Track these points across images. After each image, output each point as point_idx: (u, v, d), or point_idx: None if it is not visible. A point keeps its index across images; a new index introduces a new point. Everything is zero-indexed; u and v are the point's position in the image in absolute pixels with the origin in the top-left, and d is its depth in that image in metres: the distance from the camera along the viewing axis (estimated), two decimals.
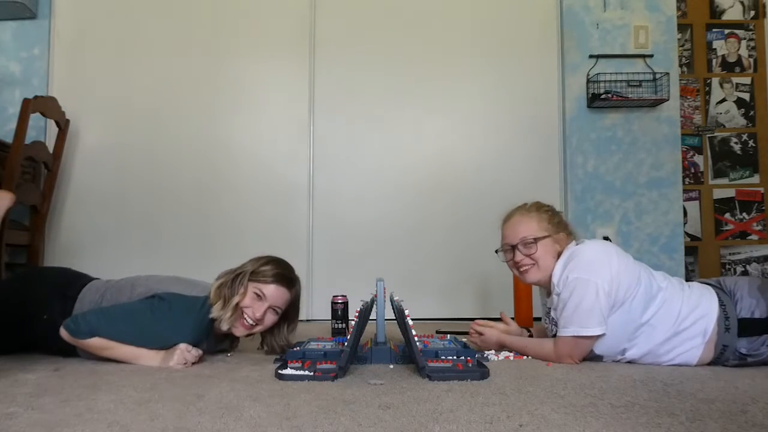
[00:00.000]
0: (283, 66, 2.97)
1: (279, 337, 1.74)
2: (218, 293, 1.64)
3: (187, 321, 1.59)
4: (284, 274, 1.69)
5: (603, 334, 1.52)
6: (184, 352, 1.55)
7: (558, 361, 1.56)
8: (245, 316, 1.63)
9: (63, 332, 1.55)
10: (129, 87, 2.96)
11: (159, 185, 2.92)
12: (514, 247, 1.65)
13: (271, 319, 1.67)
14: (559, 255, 1.63)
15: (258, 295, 1.64)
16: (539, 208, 1.69)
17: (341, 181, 2.94)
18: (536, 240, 1.62)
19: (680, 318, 1.51)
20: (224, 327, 1.63)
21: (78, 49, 2.96)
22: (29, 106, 2.38)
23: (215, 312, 1.61)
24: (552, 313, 1.64)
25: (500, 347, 1.75)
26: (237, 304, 1.62)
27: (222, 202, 2.92)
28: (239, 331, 1.66)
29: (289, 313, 1.73)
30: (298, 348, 1.68)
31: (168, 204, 2.91)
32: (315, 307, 2.86)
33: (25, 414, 1.07)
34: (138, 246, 2.89)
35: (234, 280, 1.65)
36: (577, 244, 1.63)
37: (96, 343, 1.55)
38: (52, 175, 2.72)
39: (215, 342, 1.75)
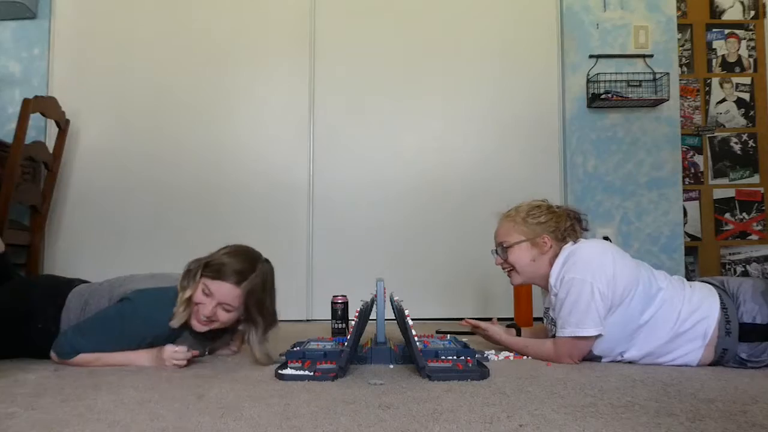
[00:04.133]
0: (283, 66, 2.97)
1: (254, 345, 1.57)
2: (181, 285, 1.57)
3: (157, 314, 1.55)
4: (235, 269, 1.53)
5: (600, 335, 1.52)
6: (172, 353, 1.52)
7: (558, 362, 1.56)
8: (199, 312, 1.55)
9: (52, 355, 1.55)
10: (129, 87, 2.95)
11: (159, 185, 2.91)
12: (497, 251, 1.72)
13: (226, 316, 1.56)
14: (552, 257, 1.63)
15: (205, 293, 1.54)
16: (523, 211, 1.69)
17: (341, 181, 2.94)
18: (508, 246, 1.67)
19: (680, 319, 1.50)
20: (175, 324, 1.54)
21: (78, 49, 2.96)
22: (29, 106, 2.38)
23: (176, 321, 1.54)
24: (551, 313, 1.64)
25: (501, 344, 1.75)
26: (189, 298, 1.53)
27: (222, 202, 2.91)
28: (197, 327, 1.57)
29: (251, 313, 1.56)
30: (298, 348, 1.68)
31: (168, 204, 2.91)
32: (315, 307, 2.86)
33: (25, 414, 1.07)
34: (138, 246, 2.89)
35: (189, 271, 1.57)
36: (574, 244, 1.62)
37: (82, 359, 1.53)
38: (52, 175, 2.72)
39: (203, 336, 1.64)
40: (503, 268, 1.73)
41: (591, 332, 1.50)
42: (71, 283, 1.71)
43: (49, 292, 1.66)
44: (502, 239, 1.70)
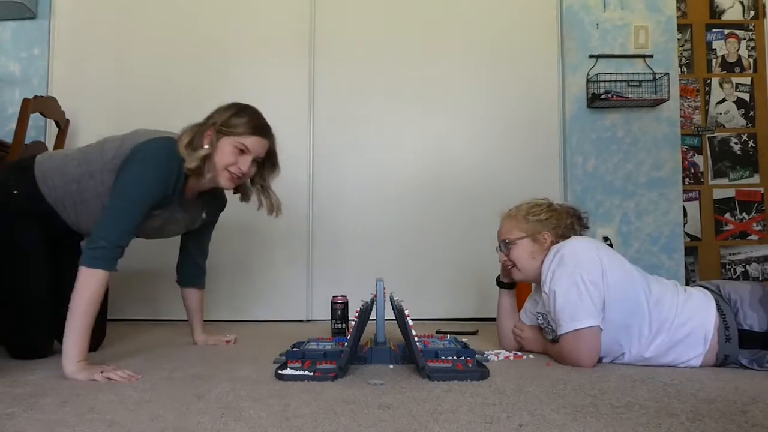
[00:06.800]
0: (283, 66, 2.96)
1: (273, 192, 1.84)
2: (190, 144, 1.61)
3: (167, 165, 1.59)
4: (262, 124, 1.69)
5: (599, 327, 1.50)
6: (108, 372, 1.38)
7: (572, 363, 1.52)
8: (230, 171, 1.64)
9: (85, 272, 1.45)
10: (129, 87, 2.95)
11: None
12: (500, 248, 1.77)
13: (253, 170, 1.71)
14: (543, 253, 1.66)
15: (241, 150, 1.63)
16: (526, 210, 1.73)
17: (341, 181, 2.94)
18: (510, 242, 1.71)
19: (675, 325, 1.49)
20: (190, 164, 1.59)
21: (78, 49, 2.96)
22: (29, 106, 2.38)
23: (190, 163, 1.59)
24: (549, 317, 1.64)
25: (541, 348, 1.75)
26: (206, 156, 1.61)
27: None
28: (228, 184, 1.68)
29: (273, 160, 1.77)
30: (297, 348, 1.69)
31: None
32: (315, 307, 2.86)
33: (24, 414, 1.07)
34: (138, 246, 2.87)
35: (198, 130, 1.64)
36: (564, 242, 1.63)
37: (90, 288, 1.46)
38: None
39: (188, 205, 1.76)
40: (506, 266, 1.78)
41: (586, 323, 1.48)
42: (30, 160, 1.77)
43: (9, 164, 1.82)
44: (504, 236, 1.74)
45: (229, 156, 1.63)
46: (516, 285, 1.90)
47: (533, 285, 1.91)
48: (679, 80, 3.10)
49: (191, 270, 2.05)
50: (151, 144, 1.62)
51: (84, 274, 1.44)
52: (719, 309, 1.49)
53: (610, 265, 1.53)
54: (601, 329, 1.51)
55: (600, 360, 1.58)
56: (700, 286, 1.61)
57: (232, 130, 1.63)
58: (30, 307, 1.67)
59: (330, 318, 2.20)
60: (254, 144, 1.65)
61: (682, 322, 1.49)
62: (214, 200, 1.93)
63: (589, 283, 1.49)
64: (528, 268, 1.69)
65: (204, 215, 1.90)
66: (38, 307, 1.67)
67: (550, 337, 1.68)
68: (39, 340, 1.69)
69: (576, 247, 1.57)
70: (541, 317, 1.73)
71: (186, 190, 1.71)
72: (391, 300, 1.70)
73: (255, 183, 1.80)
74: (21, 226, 1.68)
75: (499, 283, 1.90)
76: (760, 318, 1.46)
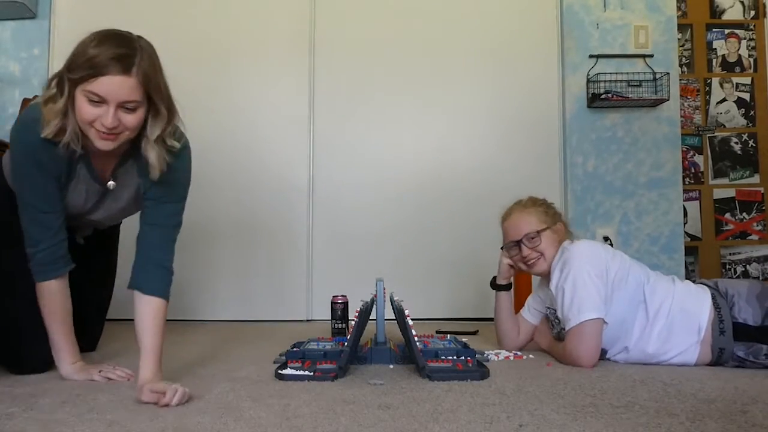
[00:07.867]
0: (283, 66, 2.96)
1: (150, 146, 1.29)
2: (46, 97, 1.26)
3: (29, 136, 1.27)
4: (110, 57, 1.18)
5: (604, 320, 1.52)
6: (107, 372, 1.39)
7: (572, 360, 1.53)
8: (95, 128, 1.23)
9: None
10: None
11: None
12: (518, 243, 1.73)
13: (133, 118, 1.23)
14: (560, 244, 1.71)
15: (93, 101, 1.19)
16: (535, 202, 1.79)
17: (341, 181, 2.94)
18: (539, 233, 1.70)
19: (671, 312, 1.53)
20: (47, 133, 1.25)
21: None
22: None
23: (48, 131, 1.24)
24: (558, 313, 1.65)
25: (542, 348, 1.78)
26: (64, 110, 1.23)
27: (221, 202, 2.91)
28: (103, 145, 1.25)
29: (154, 103, 1.27)
30: (297, 348, 1.69)
31: None
32: (315, 307, 2.86)
33: (24, 414, 1.07)
34: (135, 245, 2.88)
35: (52, 80, 1.26)
36: (571, 243, 1.68)
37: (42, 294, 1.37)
38: None
39: (105, 172, 1.44)
40: (528, 260, 1.71)
41: (592, 315, 1.50)
42: None
43: None
44: (528, 230, 1.71)
45: (85, 110, 1.20)
46: (512, 286, 1.90)
47: (536, 282, 1.92)
48: (680, 80, 3.10)
49: (139, 266, 1.57)
50: (15, 126, 1.36)
51: (36, 290, 1.39)
52: (715, 302, 1.53)
53: (613, 260, 1.59)
54: (606, 323, 1.53)
55: (603, 353, 1.59)
56: (700, 283, 1.65)
57: (76, 75, 1.19)
58: (23, 317, 1.48)
59: (330, 318, 2.20)
60: (107, 88, 1.18)
61: (677, 309, 1.53)
62: (140, 162, 1.39)
63: (596, 277, 1.54)
64: (553, 257, 1.70)
65: (141, 182, 1.49)
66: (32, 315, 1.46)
67: (555, 331, 1.71)
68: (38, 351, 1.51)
69: (581, 245, 1.63)
70: (549, 311, 1.75)
71: (92, 155, 1.38)
72: (391, 300, 1.70)
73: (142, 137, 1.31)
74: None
75: (496, 286, 1.89)
76: (754, 312, 1.49)
